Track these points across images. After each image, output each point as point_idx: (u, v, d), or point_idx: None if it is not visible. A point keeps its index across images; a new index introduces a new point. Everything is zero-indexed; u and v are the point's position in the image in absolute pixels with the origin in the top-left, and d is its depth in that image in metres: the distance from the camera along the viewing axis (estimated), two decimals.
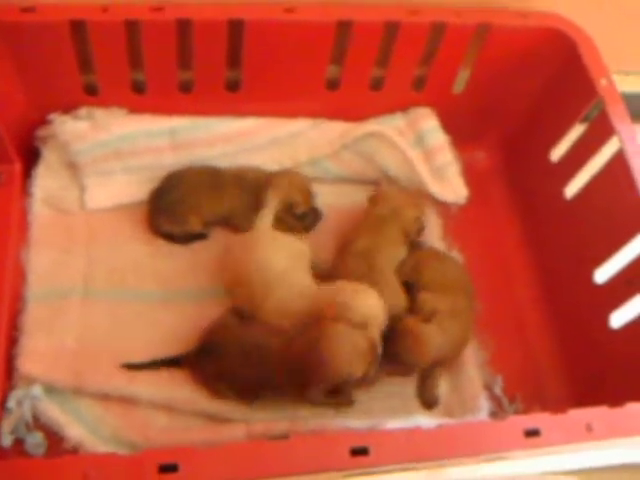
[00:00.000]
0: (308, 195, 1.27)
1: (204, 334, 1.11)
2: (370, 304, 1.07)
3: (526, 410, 1.17)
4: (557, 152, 1.31)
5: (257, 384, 1.06)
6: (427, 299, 1.16)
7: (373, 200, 1.25)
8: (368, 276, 1.14)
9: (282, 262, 1.13)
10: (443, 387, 1.16)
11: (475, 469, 0.87)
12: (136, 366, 1.10)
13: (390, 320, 1.10)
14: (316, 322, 1.04)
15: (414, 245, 1.25)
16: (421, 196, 1.32)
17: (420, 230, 1.25)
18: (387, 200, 1.25)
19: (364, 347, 1.00)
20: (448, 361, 1.16)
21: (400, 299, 1.16)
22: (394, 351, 1.09)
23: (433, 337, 1.10)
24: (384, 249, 1.19)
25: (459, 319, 1.15)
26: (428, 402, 1.13)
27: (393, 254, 1.21)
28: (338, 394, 1.06)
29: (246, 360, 1.05)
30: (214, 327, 1.11)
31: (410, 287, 1.19)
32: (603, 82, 1.19)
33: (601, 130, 1.18)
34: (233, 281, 1.16)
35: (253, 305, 1.11)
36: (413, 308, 1.16)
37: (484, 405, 1.15)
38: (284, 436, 1.01)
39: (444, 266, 1.22)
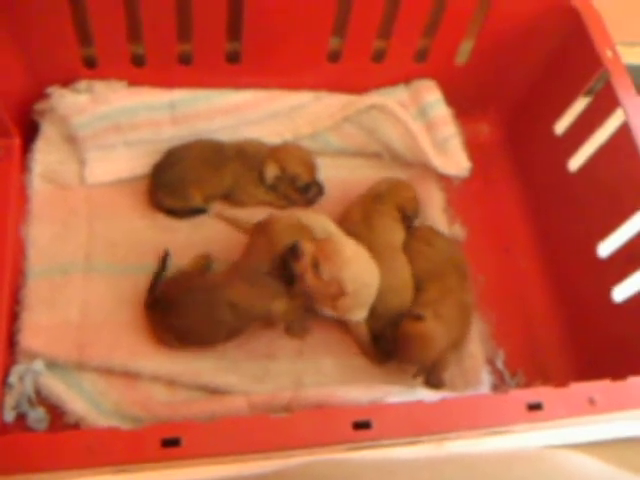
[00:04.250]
0: (311, 168, 1.26)
1: (160, 287, 1.13)
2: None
3: (528, 384, 1.18)
4: (561, 125, 1.30)
5: (208, 333, 1.10)
6: (418, 292, 1.16)
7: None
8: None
9: None
10: (450, 370, 1.16)
11: (477, 442, 0.87)
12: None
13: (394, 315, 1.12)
14: None
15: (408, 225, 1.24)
16: (424, 170, 1.32)
17: (416, 210, 1.25)
18: (385, 180, 1.26)
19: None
20: (457, 344, 1.15)
21: (402, 280, 1.17)
22: (402, 355, 1.10)
23: (435, 333, 1.09)
24: (380, 222, 1.20)
25: (452, 299, 1.15)
26: (434, 384, 1.12)
27: (389, 227, 1.20)
28: None
29: (201, 309, 1.08)
30: (167, 283, 1.13)
31: None
32: (608, 53, 1.17)
33: (606, 102, 1.17)
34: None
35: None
36: None
37: (486, 379, 1.15)
38: (285, 407, 1.01)
39: (433, 250, 1.21)
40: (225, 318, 1.08)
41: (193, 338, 1.11)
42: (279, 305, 1.08)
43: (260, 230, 1.12)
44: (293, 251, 1.04)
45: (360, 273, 1.07)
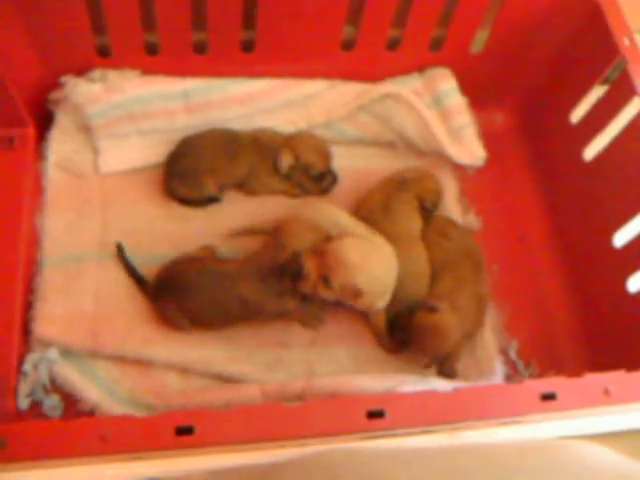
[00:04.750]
0: (325, 157, 1.26)
1: (163, 270, 1.13)
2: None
3: (541, 374, 1.17)
4: (577, 114, 1.29)
5: (219, 318, 1.11)
6: (433, 283, 1.16)
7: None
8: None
9: None
10: (463, 361, 1.15)
11: (491, 432, 0.87)
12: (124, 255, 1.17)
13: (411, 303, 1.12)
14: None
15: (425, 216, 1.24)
16: (439, 159, 1.31)
17: (436, 203, 1.24)
18: (412, 169, 1.27)
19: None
20: (471, 334, 1.14)
21: (420, 267, 1.17)
22: (416, 346, 1.10)
23: (451, 324, 1.09)
24: (398, 209, 1.20)
25: (467, 290, 1.14)
26: (447, 374, 1.12)
27: (407, 215, 1.20)
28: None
29: (211, 289, 1.08)
30: (175, 264, 1.13)
31: None
32: (625, 42, 1.16)
33: (622, 91, 1.16)
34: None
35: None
36: None
37: (499, 369, 1.15)
38: (299, 396, 1.01)
39: (448, 241, 1.21)
40: (235, 309, 1.08)
41: (205, 321, 1.11)
42: (289, 303, 1.09)
43: (275, 231, 1.14)
44: (296, 273, 1.03)
45: (372, 272, 1.06)
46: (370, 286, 1.05)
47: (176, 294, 1.10)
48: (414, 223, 1.21)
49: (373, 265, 1.06)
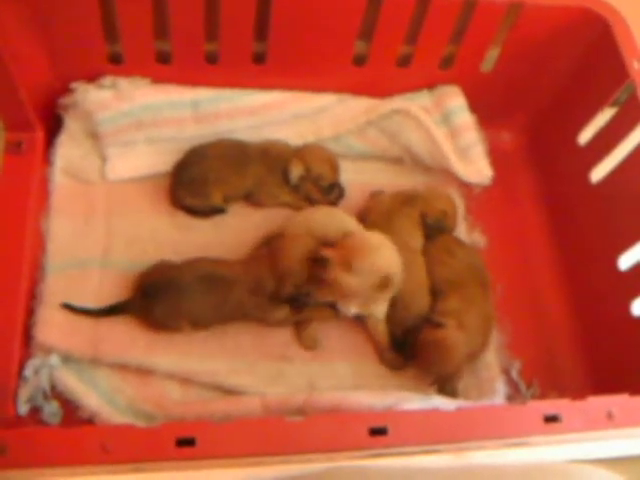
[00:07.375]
0: (334, 168, 1.26)
1: (146, 277, 1.12)
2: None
3: (543, 396, 1.16)
4: (585, 135, 1.29)
5: (216, 313, 1.11)
6: (439, 301, 1.16)
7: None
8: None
9: None
10: (465, 380, 1.15)
11: (496, 454, 0.86)
12: (76, 309, 1.11)
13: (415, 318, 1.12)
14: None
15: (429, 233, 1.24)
16: (446, 177, 1.31)
17: (439, 221, 1.23)
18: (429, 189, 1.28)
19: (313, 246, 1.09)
20: (476, 354, 1.14)
21: (421, 280, 1.17)
22: (421, 362, 1.10)
23: (457, 342, 1.09)
24: (399, 222, 1.20)
25: (476, 309, 1.14)
26: (447, 393, 1.11)
27: (406, 229, 1.20)
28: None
29: (206, 290, 1.09)
30: (158, 269, 1.13)
31: None
32: (635, 65, 1.16)
33: (631, 114, 1.16)
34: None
35: None
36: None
37: (501, 389, 1.14)
38: (299, 410, 1.01)
39: (454, 259, 1.20)
40: (230, 310, 1.10)
41: (201, 321, 1.11)
42: (279, 314, 1.10)
43: (271, 248, 1.13)
44: (319, 262, 1.03)
45: (393, 256, 1.07)
46: (392, 270, 1.05)
47: (170, 297, 1.09)
48: (413, 238, 1.20)
49: (392, 251, 1.08)
